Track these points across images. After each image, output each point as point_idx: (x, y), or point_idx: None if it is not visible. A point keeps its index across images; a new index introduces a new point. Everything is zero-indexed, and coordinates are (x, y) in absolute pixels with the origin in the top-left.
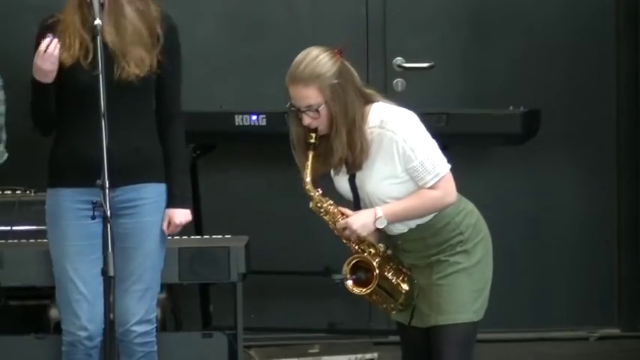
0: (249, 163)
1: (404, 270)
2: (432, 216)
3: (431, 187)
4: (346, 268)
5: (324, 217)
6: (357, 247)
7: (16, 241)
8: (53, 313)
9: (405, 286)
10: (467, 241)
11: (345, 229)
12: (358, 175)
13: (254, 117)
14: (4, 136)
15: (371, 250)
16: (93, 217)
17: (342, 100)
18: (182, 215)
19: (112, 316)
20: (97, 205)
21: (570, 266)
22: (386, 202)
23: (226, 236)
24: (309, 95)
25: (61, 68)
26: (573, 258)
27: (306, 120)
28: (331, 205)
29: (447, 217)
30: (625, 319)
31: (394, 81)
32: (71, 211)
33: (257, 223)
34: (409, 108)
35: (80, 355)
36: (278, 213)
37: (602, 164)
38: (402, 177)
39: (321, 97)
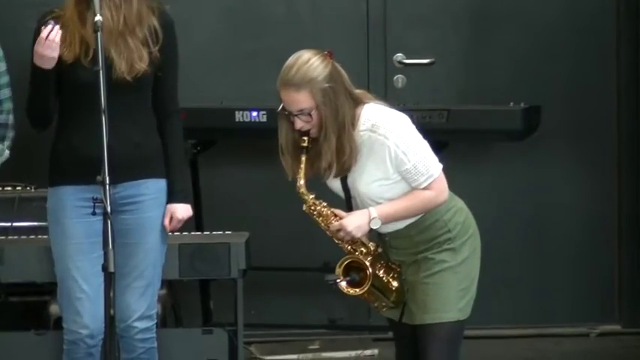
0: (249, 159)
1: (393, 267)
2: (419, 215)
3: (424, 188)
4: (339, 270)
5: (318, 219)
6: (349, 247)
7: (16, 237)
8: (53, 309)
9: (395, 284)
10: (454, 239)
11: (339, 230)
12: (349, 176)
13: (254, 113)
14: (10, 134)
15: (362, 249)
16: (93, 214)
17: (333, 104)
18: (183, 210)
19: (112, 312)
20: (97, 202)
21: (571, 262)
22: (378, 203)
23: (226, 232)
24: (301, 100)
25: (62, 65)
26: (574, 254)
27: (298, 124)
28: (325, 207)
29: (436, 215)
30: (626, 316)
31: (395, 77)
32: (72, 208)
33: (257, 219)
34: (410, 104)
35: (81, 353)
36: (278, 209)
37: (602, 160)
38: (394, 178)
39: (312, 102)
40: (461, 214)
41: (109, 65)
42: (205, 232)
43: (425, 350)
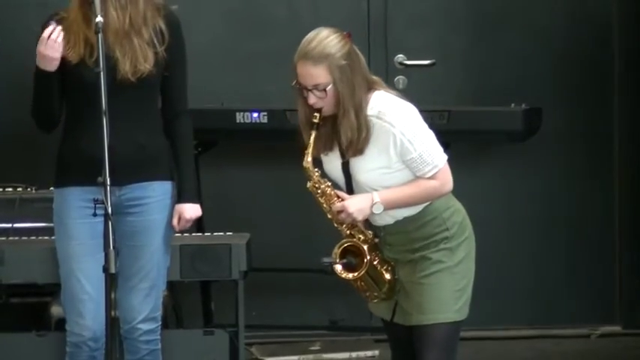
0: (250, 160)
1: (388, 260)
2: (419, 209)
3: (429, 177)
4: (336, 251)
5: (320, 198)
6: (348, 231)
7: (17, 238)
8: (54, 310)
9: (388, 276)
10: (451, 239)
11: (340, 212)
12: (352, 161)
13: (255, 114)
14: None
15: (361, 236)
16: (94, 215)
17: (349, 82)
18: (192, 210)
19: (113, 313)
20: (98, 203)
21: (572, 263)
22: (376, 191)
23: (227, 234)
24: (318, 74)
25: (67, 66)
26: (575, 255)
27: (312, 99)
28: (329, 186)
29: (435, 212)
30: (626, 317)
31: (395, 78)
32: (77, 209)
33: (258, 220)
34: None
35: (84, 356)
36: (279, 210)
37: (602, 162)
38: (396, 167)
39: (329, 77)
40: (459, 214)
41: (113, 65)
42: (206, 234)
43: (421, 352)
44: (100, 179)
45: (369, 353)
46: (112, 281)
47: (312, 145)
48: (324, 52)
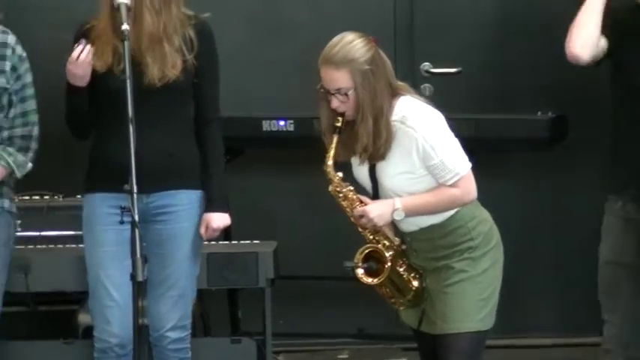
0: (277, 168)
1: (415, 267)
2: (445, 217)
3: (451, 185)
4: (358, 257)
5: (342, 202)
6: (371, 236)
7: (44, 246)
8: (82, 318)
9: (415, 283)
10: (476, 248)
11: (361, 216)
12: (378, 166)
13: (282, 122)
14: (34, 146)
15: (385, 242)
16: (121, 222)
17: (371, 87)
18: (220, 219)
19: (140, 321)
20: (125, 210)
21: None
22: (400, 197)
23: (254, 242)
24: (340, 78)
25: (95, 74)
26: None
27: (334, 103)
28: (350, 190)
29: (460, 221)
30: None
31: (422, 86)
32: (104, 216)
33: (286, 228)
34: None
35: None
36: (307, 218)
37: None
38: (420, 173)
39: (351, 82)
40: (485, 224)
41: (141, 71)
42: (233, 242)
43: None
44: (126, 187)
45: None
46: (139, 289)
47: (333, 148)
48: (348, 57)
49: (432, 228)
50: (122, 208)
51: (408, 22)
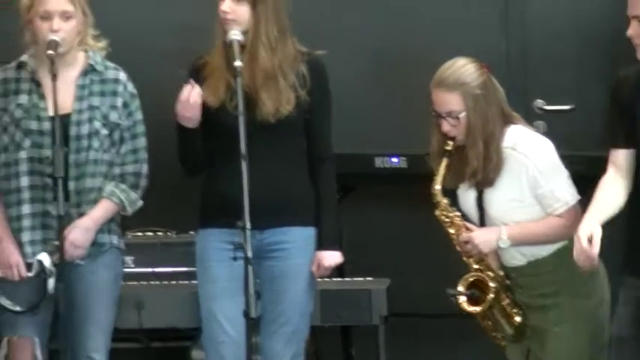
0: (390, 205)
1: (519, 303)
2: (553, 249)
3: (558, 215)
4: (462, 284)
5: (449, 228)
6: (476, 265)
7: (157, 282)
8: (195, 354)
9: (518, 319)
10: (586, 284)
11: (467, 242)
12: (486, 193)
13: (394, 159)
14: (143, 183)
15: (489, 272)
16: (234, 259)
17: (483, 112)
18: (332, 257)
19: (254, 357)
20: (237, 246)
21: None
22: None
23: (368, 279)
24: (451, 101)
25: (208, 111)
26: None
27: (445, 126)
28: (457, 216)
29: (568, 255)
30: None
31: (534, 123)
32: (217, 251)
33: (399, 265)
34: None
35: None
36: (420, 255)
37: None
38: (528, 202)
39: (462, 105)
40: None
41: (255, 107)
42: (347, 278)
43: None
44: (239, 223)
45: None
46: (253, 325)
47: (441, 172)
48: (459, 80)
49: (538, 263)
50: (235, 245)
51: (520, 58)
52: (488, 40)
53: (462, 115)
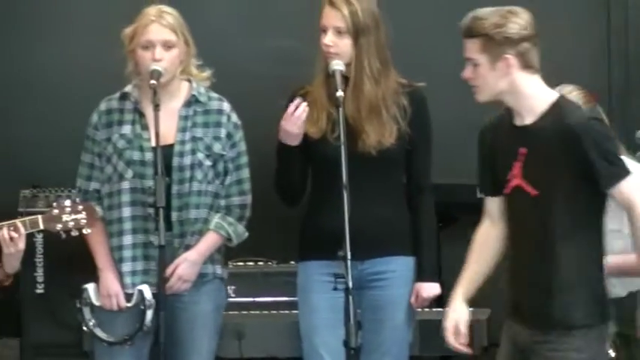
0: None
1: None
2: None
3: None
4: None
5: None
6: None
7: (258, 312)
8: None
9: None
10: None
11: None
12: None
13: None
14: (247, 214)
15: None
16: (335, 289)
17: None
18: (430, 289)
19: None
20: (338, 277)
21: None
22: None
23: (468, 309)
24: None
25: (309, 141)
26: None
27: None
28: None
29: None
30: None
31: (637, 154)
32: (318, 283)
33: (499, 295)
34: None
35: None
36: None
37: None
38: (626, 232)
39: None
40: None
41: (357, 139)
42: (447, 309)
43: None
44: (340, 253)
45: None
46: (352, 356)
47: None
48: None
49: None
50: (336, 275)
51: (623, 88)
52: (592, 70)
53: None
